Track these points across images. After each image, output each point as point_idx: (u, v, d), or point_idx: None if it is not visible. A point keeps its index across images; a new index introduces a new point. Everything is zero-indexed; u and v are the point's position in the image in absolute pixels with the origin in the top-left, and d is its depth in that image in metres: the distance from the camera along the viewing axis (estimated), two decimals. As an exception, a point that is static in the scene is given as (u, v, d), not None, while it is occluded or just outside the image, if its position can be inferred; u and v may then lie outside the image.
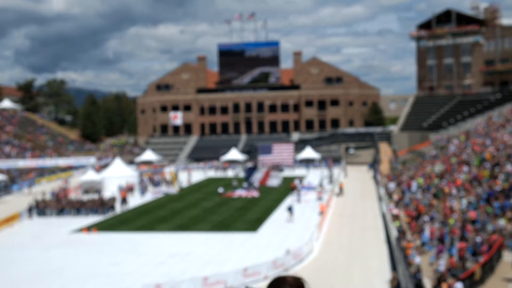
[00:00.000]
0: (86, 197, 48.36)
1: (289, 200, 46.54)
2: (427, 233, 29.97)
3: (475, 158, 43.13)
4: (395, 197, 44.91)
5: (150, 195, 53.02)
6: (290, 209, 40.35)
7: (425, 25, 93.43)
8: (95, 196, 47.92)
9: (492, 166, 37.82)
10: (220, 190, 53.14)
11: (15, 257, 30.33)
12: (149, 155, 76.84)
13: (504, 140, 45.20)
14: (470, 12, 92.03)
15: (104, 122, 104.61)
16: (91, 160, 73.12)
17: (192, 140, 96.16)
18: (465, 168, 41.66)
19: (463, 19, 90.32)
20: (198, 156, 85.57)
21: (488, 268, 21.16)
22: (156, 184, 57.93)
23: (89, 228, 37.32)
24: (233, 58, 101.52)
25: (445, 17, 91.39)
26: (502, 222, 25.95)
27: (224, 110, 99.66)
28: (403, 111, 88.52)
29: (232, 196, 50.82)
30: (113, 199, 45.97)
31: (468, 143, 53.37)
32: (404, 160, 66.45)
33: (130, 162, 70.78)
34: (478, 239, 24.80)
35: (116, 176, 52.62)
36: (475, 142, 51.35)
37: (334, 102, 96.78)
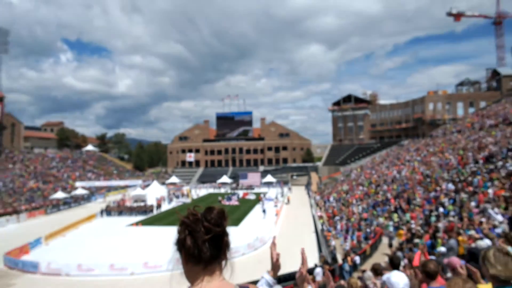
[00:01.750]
0: (135, 204, 48.14)
1: (259, 206, 46.40)
2: (338, 226, 30.43)
3: (366, 182, 43.34)
4: (320, 205, 45.48)
5: (174, 203, 52.84)
6: (264, 211, 40.89)
7: (337, 103, 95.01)
8: (141, 204, 47.84)
9: (375, 187, 38.11)
10: (219, 199, 53.56)
11: (92, 239, 30.33)
12: (174, 179, 76.50)
13: (382, 171, 45.64)
14: (362, 96, 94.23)
15: (148, 159, 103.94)
16: (139, 182, 72.68)
17: (200, 170, 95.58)
18: (360, 188, 41.99)
19: (358, 100, 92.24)
20: (203, 180, 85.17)
21: (374, 247, 21.49)
22: (177, 196, 57.79)
23: (137, 223, 37.25)
24: (225, 121, 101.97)
25: (348, 98, 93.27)
26: (381, 220, 26.36)
27: (219, 152, 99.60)
28: (325, 153, 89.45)
29: (224, 203, 51.00)
30: (152, 206, 45.93)
31: (362, 173, 53.73)
32: (325, 183, 66.87)
33: (162, 183, 70.40)
34: (368, 230, 25.40)
35: (154, 192, 52.47)
36: (366, 172, 51.86)
37: (284, 148, 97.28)
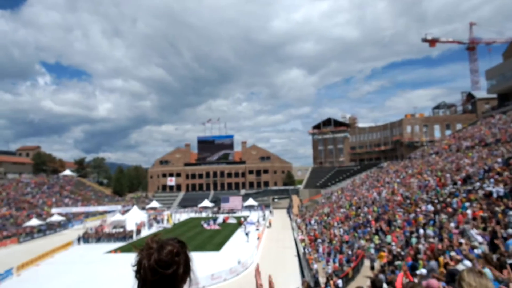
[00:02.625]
0: (114, 230, 47.03)
1: (240, 230, 46.05)
2: (320, 249, 30.23)
3: (347, 204, 43.47)
4: (301, 228, 45.28)
5: (155, 229, 51.86)
6: (247, 234, 40.53)
7: (317, 127, 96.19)
8: (120, 230, 46.75)
9: (356, 209, 38.17)
10: (202, 222, 52.85)
11: (67, 268, 29.34)
12: (154, 203, 75.28)
13: (362, 193, 45.98)
14: (341, 119, 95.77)
15: (128, 184, 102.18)
16: (119, 207, 71.19)
17: (181, 195, 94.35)
18: (341, 210, 42.05)
19: (338, 123, 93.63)
20: (184, 204, 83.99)
21: (356, 270, 21.32)
22: (158, 221, 56.77)
23: (115, 250, 36.30)
24: (207, 145, 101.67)
25: (327, 122, 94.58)
26: (362, 242, 26.32)
27: (201, 176, 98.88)
28: (305, 176, 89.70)
29: (206, 228, 50.39)
30: (131, 231, 44.90)
31: (342, 195, 54.08)
32: (307, 206, 66.71)
33: (143, 208, 69.13)
34: (350, 252, 25.30)
35: (134, 217, 51.46)
36: (346, 194, 52.16)
37: (265, 171, 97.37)
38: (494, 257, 7.64)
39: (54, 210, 62.51)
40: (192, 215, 71.07)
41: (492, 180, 21.58)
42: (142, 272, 1.39)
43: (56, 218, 56.72)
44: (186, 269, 1.47)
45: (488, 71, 59.49)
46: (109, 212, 68.79)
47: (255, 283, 2.06)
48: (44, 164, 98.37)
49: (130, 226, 47.76)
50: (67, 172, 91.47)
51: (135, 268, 1.43)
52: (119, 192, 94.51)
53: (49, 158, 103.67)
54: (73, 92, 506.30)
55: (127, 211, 58.80)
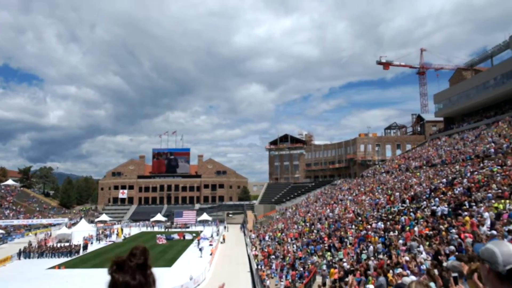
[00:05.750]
0: (59, 245, 44.72)
1: (193, 245, 45.36)
2: (274, 265, 30.27)
3: (301, 220, 43.95)
4: (255, 243, 45.20)
5: (104, 243, 49.89)
6: (200, 249, 39.91)
7: (274, 142, 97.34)
8: (66, 244, 44.55)
9: (310, 225, 38.57)
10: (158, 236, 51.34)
11: (4, 286, 27.44)
12: (104, 216, 72.48)
13: (316, 209, 46.74)
14: (298, 136, 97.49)
15: (76, 195, 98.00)
16: (65, 220, 68.05)
17: (133, 208, 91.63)
18: (295, 226, 42.50)
19: (294, 140, 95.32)
20: (136, 218, 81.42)
21: (308, 286, 21.44)
22: (107, 236, 54.64)
23: (59, 266, 34.45)
24: (162, 157, 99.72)
25: (284, 138, 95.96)
26: (315, 258, 26.62)
27: (154, 189, 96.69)
28: (261, 192, 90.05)
29: (157, 242, 49.06)
30: (78, 246, 42.87)
31: (297, 211, 54.72)
32: (261, 221, 66.87)
33: (91, 221, 66.39)
34: (302, 269, 25.44)
35: (81, 230, 49.29)
36: (300, 211, 52.79)
37: (221, 186, 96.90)
38: (436, 271, 8.01)
39: (-7, 222, 58.61)
40: (144, 229, 69.06)
41: (437, 199, 22.69)
42: None
43: (-6, 230, 53.20)
44: None
45: (436, 95, 63.02)
46: (54, 225, 65.51)
47: None
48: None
49: (77, 240, 45.63)
50: (10, 181, 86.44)
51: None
52: (66, 204, 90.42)
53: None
54: (22, 97, 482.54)
55: (74, 224, 56.29)
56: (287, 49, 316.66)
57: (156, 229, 68.73)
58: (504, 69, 46.59)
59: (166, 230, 64.64)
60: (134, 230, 67.01)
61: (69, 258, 38.76)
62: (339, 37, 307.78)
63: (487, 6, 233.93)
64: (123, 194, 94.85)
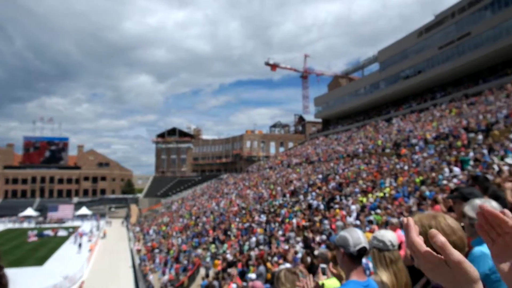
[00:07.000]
0: None
1: (69, 242, 42.43)
2: (157, 260, 29.96)
3: (187, 214, 43.99)
4: (139, 238, 44.08)
5: (-42, 242, 43.63)
6: (80, 245, 37.59)
7: (161, 135, 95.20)
8: None
9: (195, 218, 38.83)
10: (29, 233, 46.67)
11: None
12: (-40, 212, 63.40)
13: (202, 203, 47.21)
14: (186, 130, 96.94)
15: None
16: None
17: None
18: (181, 220, 42.41)
19: (182, 133, 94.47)
20: (1, 213, 72.71)
21: (192, 278, 21.70)
22: (-36, 234, 47.87)
23: None
24: (35, 146, 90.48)
25: (172, 131, 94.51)
26: (199, 251, 26.90)
27: (25, 181, 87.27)
28: (146, 185, 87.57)
29: (28, 240, 44.57)
30: None
31: (183, 205, 54.50)
32: (146, 215, 65.12)
33: None
34: (186, 262, 25.59)
35: None
36: (187, 204, 52.77)
37: (103, 178, 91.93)
38: (308, 259, 8.96)
39: None
40: (10, 225, 62.03)
41: (313, 193, 24.85)
42: None
43: None
44: None
45: (316, 98, 68.25)
46: None
47: None
48: None
49: None
50: None
51: None
52: None
53: None
54: None
55: None
56: (179, 42, 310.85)
57: (25, 225, 62.27)
58: (372, 80, 52.65)
59: (38, 226, 58.97)
60: (-2, 227, 59.77)
61: None
62: (231, 35, 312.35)
63: (362, 24, 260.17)
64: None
